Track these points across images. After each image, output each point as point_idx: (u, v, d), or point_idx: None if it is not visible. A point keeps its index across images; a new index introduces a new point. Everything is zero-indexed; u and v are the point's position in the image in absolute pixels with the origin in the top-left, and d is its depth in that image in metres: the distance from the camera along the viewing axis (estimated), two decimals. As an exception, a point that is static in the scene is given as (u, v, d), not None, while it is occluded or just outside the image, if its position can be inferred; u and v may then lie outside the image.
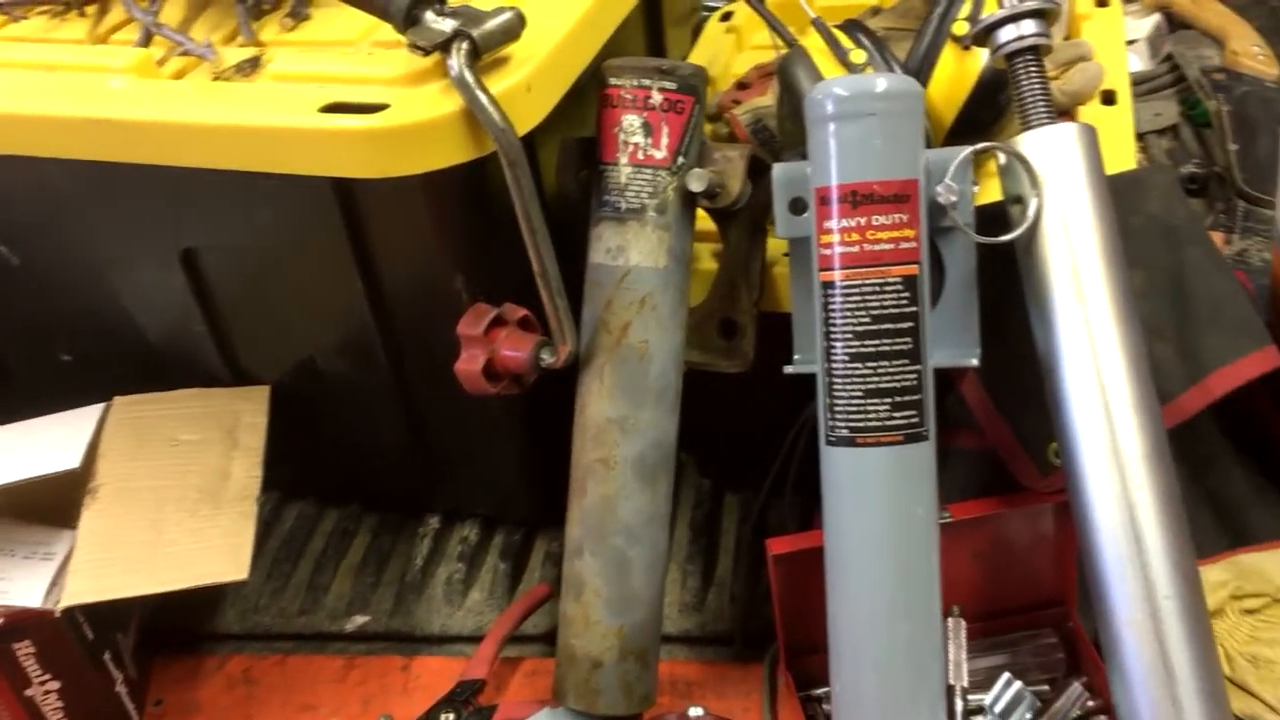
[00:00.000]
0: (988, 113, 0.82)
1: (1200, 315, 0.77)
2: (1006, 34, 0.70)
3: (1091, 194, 0.67)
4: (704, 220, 0.80)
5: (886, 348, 0.65)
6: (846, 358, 0.66)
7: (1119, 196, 0.69)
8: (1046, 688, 0.79)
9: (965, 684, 0.73)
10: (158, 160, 0.75)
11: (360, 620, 0.97)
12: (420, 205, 0.77)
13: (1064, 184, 0.67)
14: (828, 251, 0.66)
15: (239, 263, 0.85)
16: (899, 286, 0.65)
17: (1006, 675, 0.76)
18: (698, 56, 1.14)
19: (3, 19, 0.91)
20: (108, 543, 0.81)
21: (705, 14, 1.26)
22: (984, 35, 0.71)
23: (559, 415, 0.81)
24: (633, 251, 0.75)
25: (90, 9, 0.90)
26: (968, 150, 0.67)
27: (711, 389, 0.82)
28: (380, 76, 0.73)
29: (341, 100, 0.71)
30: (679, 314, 0.77)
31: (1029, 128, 0.69)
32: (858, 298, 0.66)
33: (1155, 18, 1.53)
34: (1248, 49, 1.44)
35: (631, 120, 0.75)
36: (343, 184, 0.75)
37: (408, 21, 0.69)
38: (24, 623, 0.80)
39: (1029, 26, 0.69)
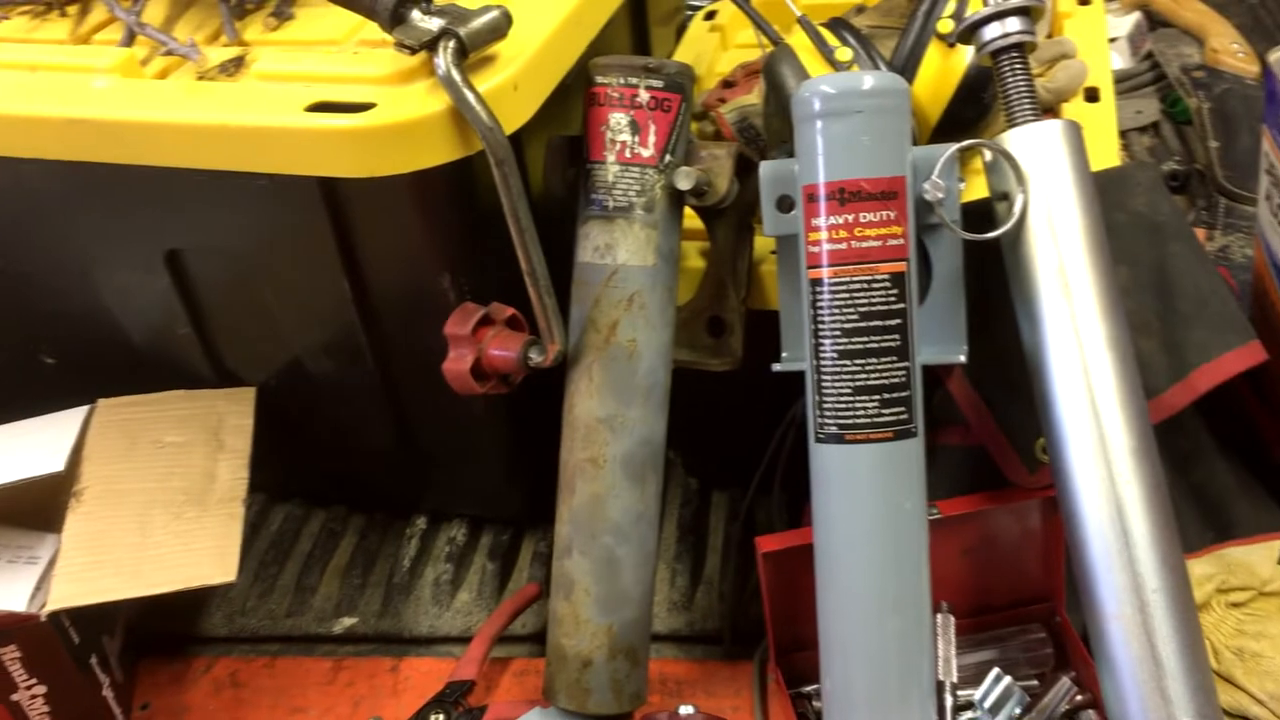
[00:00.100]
0: (972, 110, 0.82)
1: (1185, 311, 0.78)
2: (991, 31, 0.70)
3: (1077, 190, 0.67)
4: (691, 218, 0.80)
5: (875, 345, 0.66)
6: (835, 355, 0.66)
7: (1103, 193, 0.69)
8: (1035, 682, 0.80)
9: (955, 679, 0.73)
10: (142, 160, 0.75)
11: (348, 622, 0.97)
12: (407, 204, 0.76)
13: (1050, 180, 0.67)
14: (816, 249, 0.66)
15: (224, 264, 0.85)
16: (887, 283, 0.65)
17: (996, 670, 0.76)
18: (682, 55, 1.14)
19: (-17, 19, 0.90)
20: (93, 546, 0.80)
21: (689, 13, 1.26)
22: (969, 33, 0.71)
23: (546, 414, 0.81)
24: (620, 250, 0.75)
25: (72, 9, 0.90)
26: (954, 147, 0.67)
27: (698, 387, 0.82)
28: (366, 75, 0.73)
29: (328, 99, 0.71)
30: (667, 312, 0.78)
31: (1014, 125, 0.69)
32: (846, 295, 0.66)
33: (1135, 16, 1.54)
34: (1227, 46, 1.45)
35: (619, 119, 0.75)
36: (329, 183, 0.75)
37: (394, 20, 0.69)
38: (9, 627, 0.79)
39: (1014, 24, 0.69)
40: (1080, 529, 0.65)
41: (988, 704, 0.75)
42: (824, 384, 0.67)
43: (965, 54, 0.79)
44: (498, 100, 0.69)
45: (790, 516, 0.92)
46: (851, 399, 0.66)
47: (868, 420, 0.66)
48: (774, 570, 0.77)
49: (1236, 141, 1.32)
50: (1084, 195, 0.67)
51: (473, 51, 0.69)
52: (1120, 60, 1.49)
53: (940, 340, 0.70)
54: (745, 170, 0.78)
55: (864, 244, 0.65)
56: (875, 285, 0.65)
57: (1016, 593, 0.84)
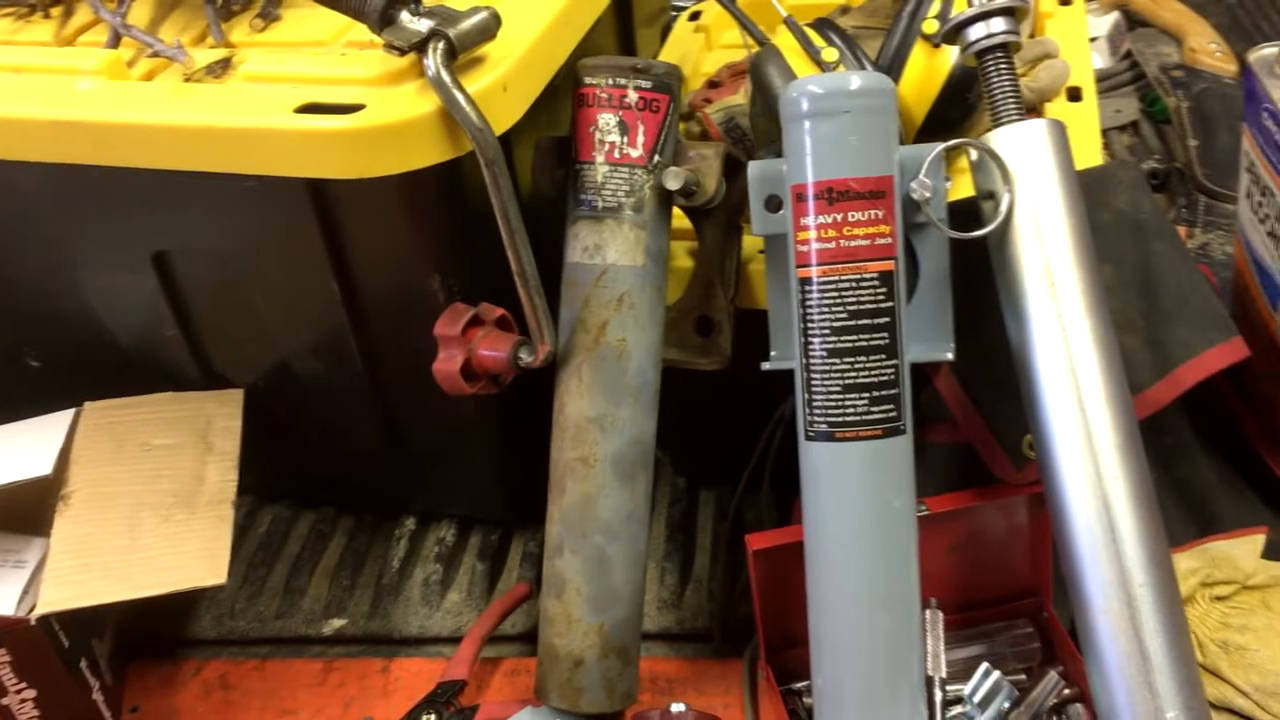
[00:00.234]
0: (957, 110, 0.83)
1: (1168, 308, 0.79)
2: (976, 31, 0.71)
3: (1062, 189, 0.68)
4: (679, 218, 0.81)
5: (864, 343, 0.66)
6: (824, 353, 0.67)
7: (1087, 192, 0.70)
8: (1023, 677, 0.80)
9: (944, 675, 0.74)
10: (130, 162, 0.74)
11: (338, 623, 0.97)
12: (396, 205, 0.76)
13: (1035, 179, 0.68)
14: (805, 248, 0.67)
15: (212, 265, 0.85)
16: (875, 282, 0.66)
17: (985, 665, 0.77)
18: (667, 56, 1.14)
19: (-34, 22, 0.90)
20: (82, 549, 0.80)
21: (673, 14, 1.26)
22: (954, 33, 0.72)
23: (535, 414, 0.82)
24: (610, 250, 0.76)
25: (55, 11, 0.90)
26: (941, 147, 0.67)
27: (687, 386, 0.83)
28: (355, 77, 0.73)
29: (317, 101, 0.71)
30: (656, 312, 0.78)
31: (1000, 124, 0.70)
32: (835, 294, 0.66)
33: (1114, 15, 1.56)
34: (1205, 46, 1.46)
35: (607, 119, 0.75)
36: (317, 185, 0.75)
37: (383, 21, 0.69)
38: (-2, 631, 0.79)
39: (999, 24, 0.70)
40: (1067, 524, 0.66)
41: (977, 699, 0.76)
42: (813, 382, 0.67)
43: (950, 54, 0.80)
44: (487, 101, 0.69)
45: (779, 515, 0.93)
46: (841, 397, 0.66)
47: (857, 418, 0.66)
48: (764, 568, 0.78)
49: (1215, 140, 1.33)
50: (1069, 194, 0.68)
51: (462, 53, 0.70)
52: (1099, 60, 1.50)
53: (928, 338, 0.70)
54: (733, 170, 0.78)
55: (852, 243, 0.66)
56: (864, 284, 0.66)
57: (1004, 588, 0.84)
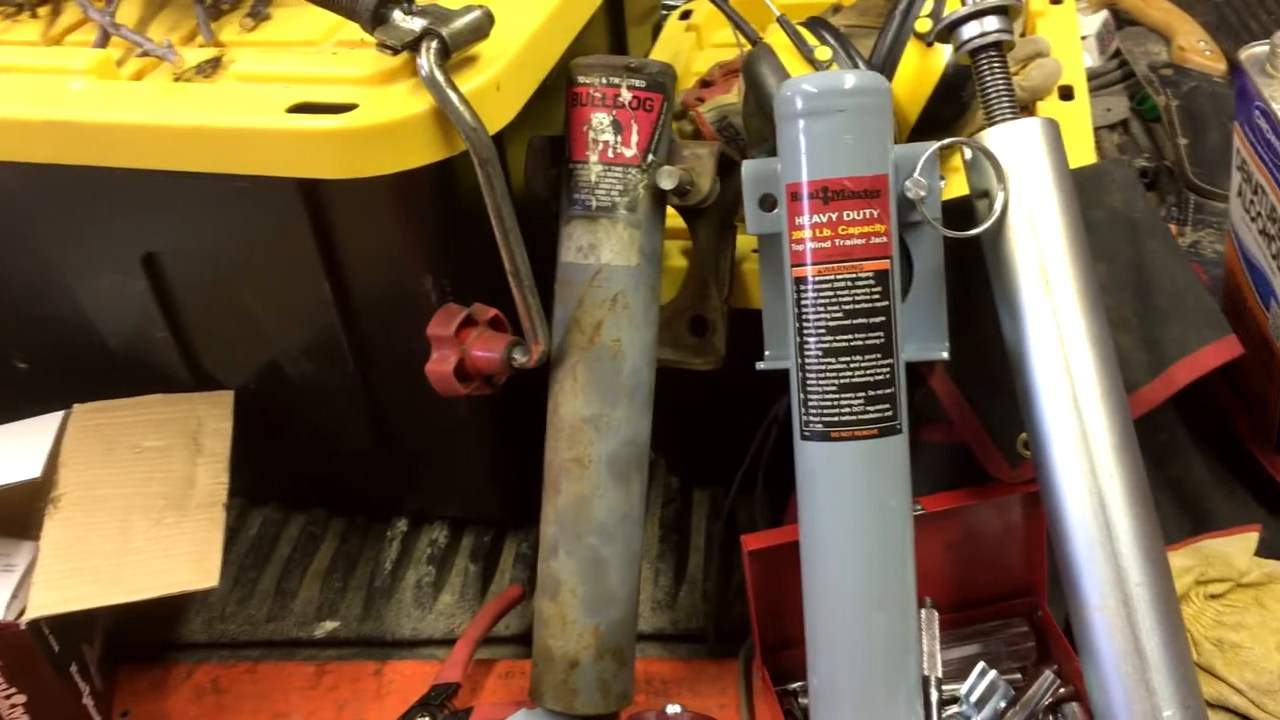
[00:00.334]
0: (950, 109, 0.83)
1: (1162, 306, 0.79)
2: (970, 30, 0.70)
3: (1056, 188, 0.68)
4: (672, 218, 0.80)
5: (859, 342, 0.66)
6: (820, 353, 0.66)
7: (1081, 190, 0.70)
8: (1019, 676, 0.80)
9: (940, 674, 0.74)
10: (120, 163, 0.74)
11: (330, 626, 0.96)
12: (389, 205, 0.76)
13: (1029, 178, 0.68)
14: (799, 247, 0.67)
15: (202, 266, 0.84)
16: (870, 281, 0.66)
17: (981, 665, 0.77)
18: (659, 55, 1.14)
19: (-47, 21, 0.89)
20: (72, 553, 0.80)
21: (664, 13, 1.26)
22: (947, 32, 0.72)
23: (528, 414, 0.81)
24: (604, 250, 0.75)
25: (43, 10, 0.89)
26: (935, 146, 0.67)
27: (681, 386, 0.82)
28: (347, 76, 0.72)
29: (308, 100, 0.70)
30: (651, 312, 0.78)
31: (994, 123, 0.70)
32: (830, 293, 0.66)
33: (1103, 14, 1.56)
34: (1194, 45, 1.47)
35: (601, 118, 0.75)
36: (309, 185, 0.74)
37: (376, 20, 0.69)
38: (-13, 636, 0.78)
39: (992, 23, 0.70)
40: (1063, 523, 0.66)
41: (973, 698, 0.76)
42: (809, 382, 0.67)
43: (943, 53, 0.80)
44: (481, 100, 0.69)
45: (772, 515, 0.92)
46: (836, 396, 0.66)
47: (853, 417, 0.66)
48: (759, 568, 0.77)
49: (1205, 138, 1.33)
50: (1063, 192, 0.68)
51: (455, 51, 0.69)
52: (1088, 59, 1.51)
53: (923, 337, 0.70)
54: (727, 169, 0.78)
55: (847, 242, 0.66)
56: (859, 283, 0.66)
57: (999, 587, 0.84)
